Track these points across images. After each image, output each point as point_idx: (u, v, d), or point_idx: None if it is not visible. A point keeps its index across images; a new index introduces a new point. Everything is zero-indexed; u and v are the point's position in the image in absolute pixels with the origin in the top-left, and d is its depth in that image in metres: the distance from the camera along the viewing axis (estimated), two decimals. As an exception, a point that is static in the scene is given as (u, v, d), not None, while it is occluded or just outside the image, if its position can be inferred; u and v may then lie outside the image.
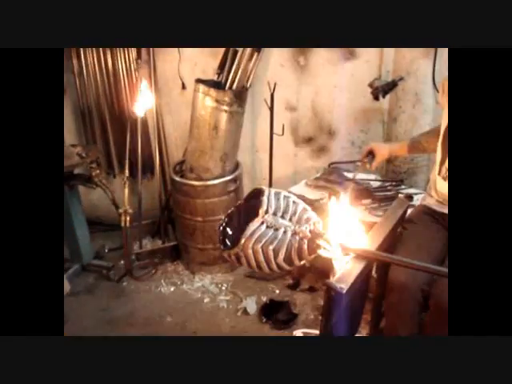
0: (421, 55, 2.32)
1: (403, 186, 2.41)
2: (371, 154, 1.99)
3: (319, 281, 2.62)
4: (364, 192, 2.29)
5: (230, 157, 2.62)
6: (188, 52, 2.79)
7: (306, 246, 1.06)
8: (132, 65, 2.80)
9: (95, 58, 2.82)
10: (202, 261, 2.79)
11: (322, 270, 2.43)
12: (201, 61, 2.80)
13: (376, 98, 2.39)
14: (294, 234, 1.05)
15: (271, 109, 2.61)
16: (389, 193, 2.32)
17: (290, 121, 2.87)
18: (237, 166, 2.72)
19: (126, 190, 2.51)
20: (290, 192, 1.17)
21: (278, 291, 2.65)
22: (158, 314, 2.49)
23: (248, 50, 2.40)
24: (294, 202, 1.13)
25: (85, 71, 2.85)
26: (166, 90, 2.95)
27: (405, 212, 1.61)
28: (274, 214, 1.05)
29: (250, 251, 1.03)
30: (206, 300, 2.60)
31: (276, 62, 2.74)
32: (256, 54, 2.46)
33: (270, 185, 2.78)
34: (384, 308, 1.58)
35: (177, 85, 2.91)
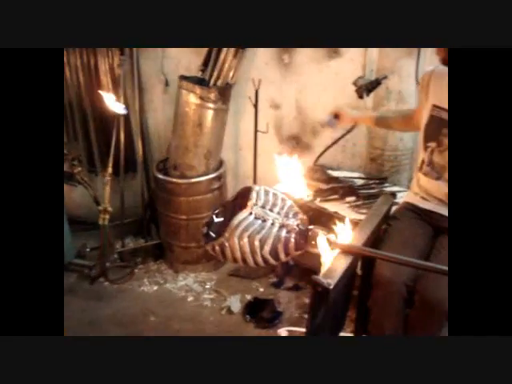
0: (404, 54, 2.34)
1: (387, 184, 2.42)
2: (336, 118, 2.06)
3: (304, 279, 2.62)
4: (348, 190, 2.30)
5: (214, 154, 2.60)
6: (171, 49, 2.76)
7: (292, 240, 1.06)
8: (115, 61, 2.76)
9: (77, 54, 2.77)
10: (185, 259, 2.77)
11: (307, 267, 2.44)
12: (184, 58, 2.78)
13: (360, 96, 2.39)
14: (282, 226, 1.05)
15: (256, 106, 2.60)
16: (373, 190, 2.34)
17: (274, 119, 2.86)
18: (221, 163, 2.71)
19: (108, 188, 2.47)
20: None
21: (262, 289, 2.64)
22: (141, 313, 2.46)
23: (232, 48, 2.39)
24: (282, 198, 1.14)
25: (67, 67, 2.80)
26: (149, 86, 2.91)
27: (389, 209, 1.62)
28: (263, 207, 1.05)
29: (236, 240, 1.02)
30: (190, 299, 2.58)
31: (260, 59, 2.73)
32: (240, 52, 2.45)
33: (255, 183, 2.77)
34: (369, 304, 1.59)
35: (160, 82, 2.88)
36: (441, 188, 1.70)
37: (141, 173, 2.96)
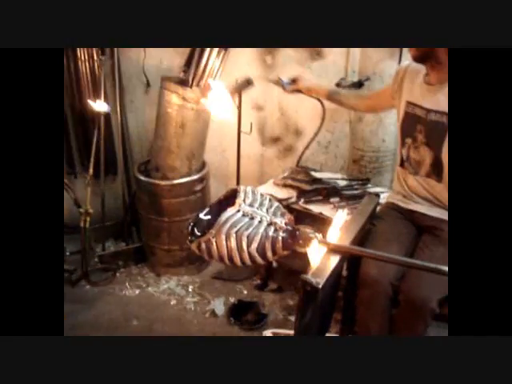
0: (386, 55, 2.36)
1: (369, 185, 2.44)
2: (293, 82, 2.19)
3: (287, 280, 2.61)
4: (332, 191, 2.31)
5: (197, 156, 2.58)
6: (153, 49, 2.72)
7: (280, 239, 1.05)
8: (95, 61, 2.71)
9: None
10: (167, 262, 2.73)
11: (290, 269, 2.43)
12: (166, 58, 2.75)
13: (343, 97, 2.41)
14: (270, 224, 1.04)
15: (239, 107, 2.58)
16: (356, 191, 2.35)
17: (257, 120, 2.85)
18: (203, 165, 2.69)
19: (89, 189, 2.42)
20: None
21: (246, 292, 2.62)
22: (123, 317, 2.41)
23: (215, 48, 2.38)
24: (269, 199, 1.13)
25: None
26: (130, 87, 2.87)
27: (374, 208, 1.63)
28: (251, 205, 1.03)
29: (223, 237, 1.01)
30: (173, 302, 2.54)
31: (243, 60, 2.72)
32: (223, 52, 2.43)
33: (238, 184, 2.76)
34: (355, 303, 1.58)
35: (141, 82, 2.84)
36: (418, 183, 1.74)
37: (121, 175, 2.92)
